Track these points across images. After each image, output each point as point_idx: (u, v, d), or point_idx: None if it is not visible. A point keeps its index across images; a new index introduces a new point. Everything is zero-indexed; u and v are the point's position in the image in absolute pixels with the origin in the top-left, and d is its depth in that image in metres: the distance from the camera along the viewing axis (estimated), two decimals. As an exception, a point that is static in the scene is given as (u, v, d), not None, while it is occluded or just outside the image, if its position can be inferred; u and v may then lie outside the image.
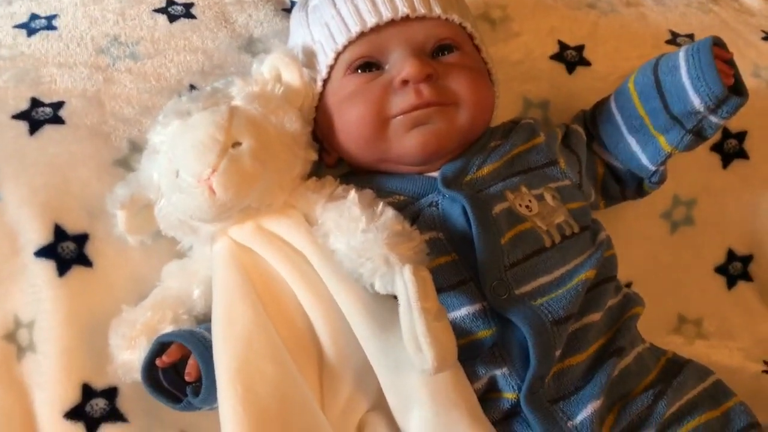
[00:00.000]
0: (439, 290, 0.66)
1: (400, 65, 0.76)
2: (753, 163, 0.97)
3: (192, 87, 0.89)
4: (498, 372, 0.70)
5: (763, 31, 1.07)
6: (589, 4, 1.05)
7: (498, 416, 0.70)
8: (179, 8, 0.97)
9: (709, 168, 0.97)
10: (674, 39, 1.02)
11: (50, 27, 0.93)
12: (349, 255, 0.69)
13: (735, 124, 0.96)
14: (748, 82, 0.96)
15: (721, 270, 0.98)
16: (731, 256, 0.98)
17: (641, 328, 0.81)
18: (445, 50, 0.79)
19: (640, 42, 1.01)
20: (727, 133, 0.97)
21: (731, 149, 0.97)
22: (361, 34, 0.77)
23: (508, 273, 0.72)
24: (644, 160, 0.82)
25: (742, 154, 0.97)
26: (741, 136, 0.97)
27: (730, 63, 0.77)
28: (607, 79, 0.96)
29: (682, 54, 0.77)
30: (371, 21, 0.77)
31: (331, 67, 0.79)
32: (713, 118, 0.77)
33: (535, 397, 0.69)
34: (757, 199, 0.97)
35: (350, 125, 0.78)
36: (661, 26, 1.04)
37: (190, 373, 0.70)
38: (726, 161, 0.97)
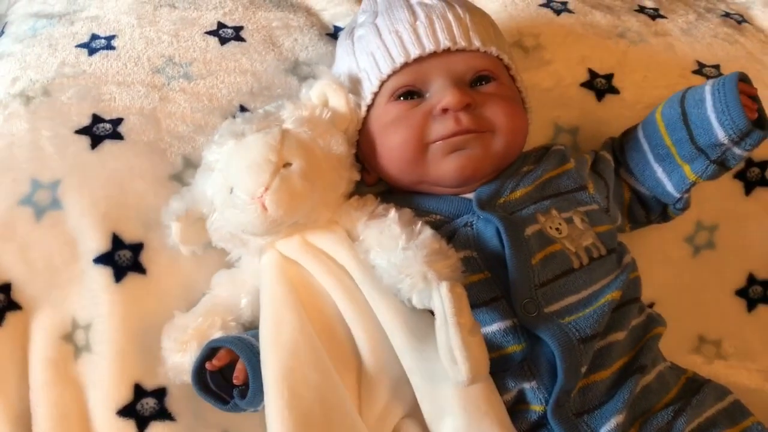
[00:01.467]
0: (472, 306, 0.70)
1: (441, 94, 0.80)
2: (775, 191, 1.00)
3: (242, 107, 0.94)
4: (527, 385, 0.74)
5: (788, 64, 1.10)
6: (618, 34, 1.09)
7: (525, 427, 0.74)
8: (229, 31, 1.02)
9: (731, 195, 1.00)
10: (701, 69, 1.06)
11: (109, 47, 0.99)
12: (389, 270, 0.73)
13: (758, 153, 0.99)
14: (771, 113, 1.00)
15: (741, 293, 1.00)
16: (751, 280, 1.00)
17: (662, 348, 0.85)
18: (483, 80, 0.83)
19: (667, 72, 1.05)
20: (750, 162, 1.00)
21: (754, 177, 1.00)
22: (405, 65, 0.82)
23: (538, 292, 0.76)
24: (669, 187, 0.86)
25: (765, 182, 1.00)
26: (763, 164, 1.00)
27: (755, 98, 0.81)
28: (634, 107, 1.00)
29: (708, 88, 0.81)
30: (414, 53, 0.81)
31: (376, 94, 0.84)
32: (737, 150, 0.81)
33: (561, 410, 0.73)
34: (780, 225, 1.00)
35: (392, 149, 0.83)
36: (688, 56, 1.08)
37: (237, 377, 0.74)
38: (748, 189, 1.00)
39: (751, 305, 1.00)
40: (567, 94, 1.01)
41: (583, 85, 1.02)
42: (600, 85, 1.02)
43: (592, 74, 1.03)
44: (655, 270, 0.96)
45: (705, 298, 1.00)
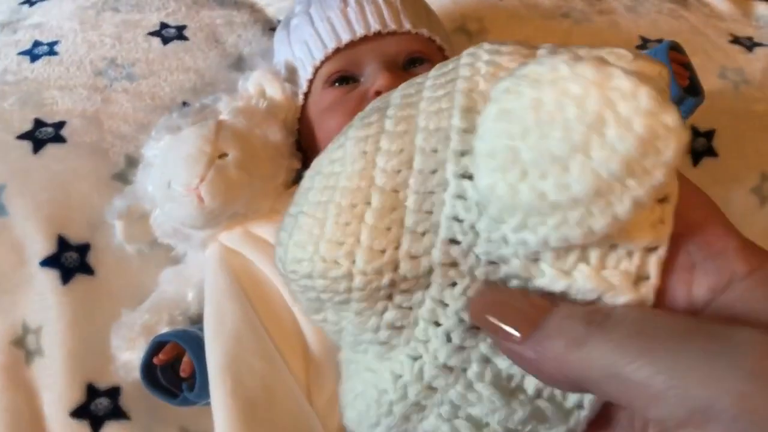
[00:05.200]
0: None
1: (374, 78, 0.81)
2: (721, 160, 1.00)
3: (185, 104, 0.94)
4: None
5: (731, 35, 1.11)
6: (562, 14, 1.09)
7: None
8: (172, 31, 1.03)
9: (679, 166, 1.00)
10: (644, 44, 1.06)
11: (52, 53, 0.99)
12: (329, 256, 0.73)
13: (703, 124, 1.00)
14: (715, 83, 1.01)
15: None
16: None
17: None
18: (416, 62, 0.84)
19: (611, 48, 1.06)
20: (696, 132, 1.01)
21: (700, 147, 1.01)
22: (337, 50, 0.83)
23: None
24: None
25: (711, 152, 1.01)
26: (709, 134, 1.01)
27: (688, 66, 0.82)
28: (578, 85, 1.01)
29: (641, 59, 0.82)
30: (346, 38, 0.82)
31: (311, 82, 0.85)
32: (672, 118, 0.81)
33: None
34: (727, 195, 1.00)
35: (330, 134, 0.82)
36: (632, 33, 1.09)
37: (184, 369, 0.75)
38: (696, 159, 1.01)
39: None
40: (511, 75, 1.02)
41: (527, 65, 1.02)
42: (544, 65, 1.02)
43: (536, 55, 1.03)
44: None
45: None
